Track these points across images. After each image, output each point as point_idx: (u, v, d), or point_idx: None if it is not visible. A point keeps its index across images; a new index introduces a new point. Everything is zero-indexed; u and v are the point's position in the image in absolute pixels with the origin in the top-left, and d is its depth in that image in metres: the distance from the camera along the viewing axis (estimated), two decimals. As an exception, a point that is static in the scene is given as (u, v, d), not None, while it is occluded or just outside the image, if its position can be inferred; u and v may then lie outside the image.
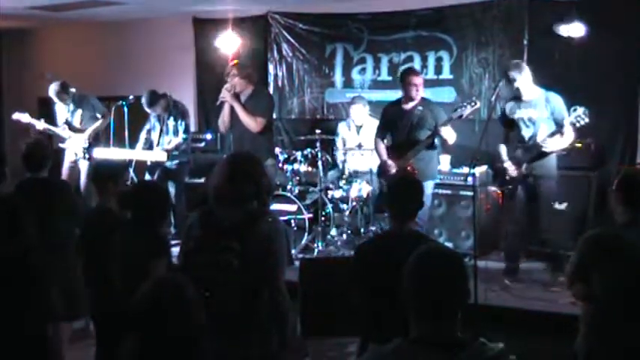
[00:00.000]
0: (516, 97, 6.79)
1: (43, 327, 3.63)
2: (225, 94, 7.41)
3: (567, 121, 6.33)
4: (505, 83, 6.77)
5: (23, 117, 9.10)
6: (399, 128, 7.30)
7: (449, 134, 7.04)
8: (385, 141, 7.52)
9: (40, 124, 8.99)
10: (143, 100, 8.41)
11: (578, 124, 6.30)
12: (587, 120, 6.24)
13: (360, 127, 8.53)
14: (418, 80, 7.28)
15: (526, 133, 6.69)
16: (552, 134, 6.45)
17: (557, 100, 6.65)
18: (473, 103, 7.03)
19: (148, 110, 8.49)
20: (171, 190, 8.44)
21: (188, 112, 8.68)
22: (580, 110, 6.26)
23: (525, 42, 8.53)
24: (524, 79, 6.65)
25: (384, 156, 7.44)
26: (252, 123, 7.31)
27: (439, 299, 2.38)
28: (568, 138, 6.47)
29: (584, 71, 8.11)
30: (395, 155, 7.32)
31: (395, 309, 2.72)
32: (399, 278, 2.50)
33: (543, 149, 6.50)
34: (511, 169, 6.68)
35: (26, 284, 3.51)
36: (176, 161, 8.44)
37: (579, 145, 7.41)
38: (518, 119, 6.76)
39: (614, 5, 7.96)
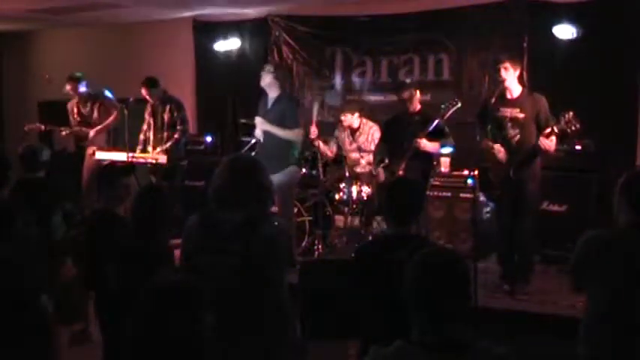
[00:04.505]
0: (500, 95, 6.53)
1: (41, 329, 3.62)
2: (258, 133, 7.42)
3: (557, 128, 6.15)
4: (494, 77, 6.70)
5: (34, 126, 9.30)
6: (396, 137, 7.31)
7: (428, 146, 7.07)
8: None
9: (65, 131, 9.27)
10: (143, 90, 8.40)
11: (569, 130, 6.10)
12: (578, 125, 6.03)
13: (357, 129, 8.48)
14: (406, 94, 7.27)
15: (511, 133, 6.47)
16: (548, 134, 6.30)
17: (543, 102, 6.45)
18: (454, 102, 7.01)
19: (144, 92, 8.41)
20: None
21: (183, 106, 8.65)
22: (570, 115, 6.03)
23: (525, 44, 8.54)
24: (512, 75, 6.49)
25: (379, 166, 7.52)
26: (293, 135, 7.31)
27: (441, 301, 2.38)
28: (553, 142, 6.36)
29: (584, 73, 8.12)
30: (390, 163, 7.35)
31: (395, 311, 2.72)
32: (399, 280, 2.50)
33: (542, 146, 6.31)
34: (500, 154, 6.46)
35: (21, 287, 3.50)
36: (172, 162, 8.40)
37: (579, 146, 7.41)
38: (501, 117, 6.50)
39: (613, 7, 7.97)
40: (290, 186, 7.43)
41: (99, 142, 9.03)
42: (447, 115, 6.98)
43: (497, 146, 6.49)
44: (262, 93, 7.59)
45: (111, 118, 9.04)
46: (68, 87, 9.06)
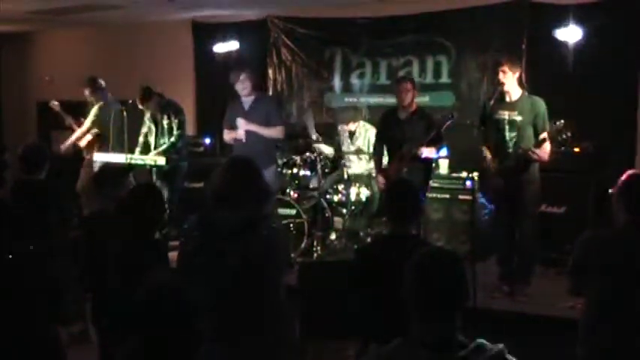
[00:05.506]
0: (500, 97, 6.55)
1: (49, 329, 3.63)
2: (240, 134, 7.44)
3: (549, 136, 6.13)
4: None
5: (55, 106, 9.35)
6: (393, 140, 7.30)
7: (428, 152, 7.07)
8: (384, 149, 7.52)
9: (68, 119, 9.29)
10: (137, 100, 8.39)
11: (560, 139, 6.12)
12: (569, 134, 6.04)
13: (353, 132, 8.50)
14: (405, 87, 7.26)
15: (508, 135, 6.48)
16: (539, 143, 6.27)
17: (542, 106, 6.46)
18: (450, 116, 6.99)
19: (140, 107, 8.39)
20: (165, 192, 8.29)
21: (182, 110, 8.59)
22: (561, 124, 6.05)
23: (524, 46, 8.55)
24: (510, 78, 6.48)
25: (378, 168, 7.53)
26: (276, 132, 7.37)
27: (439, 300, 2.39)
28: (547, 148, 6.36)
29: (583, 75, 8.13)
30: (386, 169, 7.35)
31: (395, 311, 2.73)
32: (398, 281, 2.51)
33: (533, 157, 6.32)
34: (492, 165, 6.52)
35: (31, 287, 3.51)
36: (172, 164, 8.37)
37: (577, 148, 7.42)
38: (499, 120, 6.51)
39: (612, 9, 7.98)
40: (273, 183, 7.48)
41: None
42: (444, 127, 6.98)
43: (491, 162, 6.55)
44: (234, 96, 7.64)
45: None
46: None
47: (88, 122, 9.07)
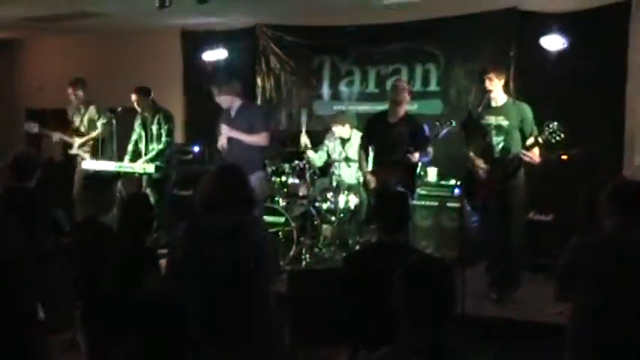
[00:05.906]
0: (487, 103, 6.57)
1: (38, 336, 3.63)
2: (223, 141, 7.54)
3: (541, 139, 6.15)
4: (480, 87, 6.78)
5: (34, 128, 9.20)
6: (382, 143, 7.29)
7: (415, 159, 7.09)
8: (370, 151, 7.50)
9: (56, 135, 9.13)
10: (133, 96, 8.39)
11: (554, 140, 6.09)
12: (562, 135, 6.03)
13: (347, 140, 8.50)
14: (403, 85, 7.34)
15: (495, 140, 6.50)
16: (530, 147, 6.30)
17: (528, 111, 6.50)
18: (449, 123, 7.01)
19: (134, 98, 8.43)
20: (152, 199, 8.25)
21: (172, 118, 8.60)
22: (554, 126, 6.02)
23: (512, 54, 8.59)
24: (497, 85, 6.53)
25: (365, 169, 7.49)
26: (259, 139, 7.40)
27: (430, 308, 2.41)
28: (536, 154, 6.38)
29: (571, 83, 8.17)
30: (377, 171, 7.35)
31: (384, 318, 2.74)
32: (387, 289, 2.52)
33: (525, 159, 6.34)
34: (481, 171, 6.54)
35: (20, 295, 3.51)
36: (162, 172, 8.36)
37: (565, 156, 7.45)
38: (486, 125, 6.54)
39: (600, 18, 8.03)
40: (258, 190, 7.49)
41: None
42: (441, 135, 6.97)
43: (479, 162, 6.55)
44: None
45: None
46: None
47: (100, 126, 8.94)
